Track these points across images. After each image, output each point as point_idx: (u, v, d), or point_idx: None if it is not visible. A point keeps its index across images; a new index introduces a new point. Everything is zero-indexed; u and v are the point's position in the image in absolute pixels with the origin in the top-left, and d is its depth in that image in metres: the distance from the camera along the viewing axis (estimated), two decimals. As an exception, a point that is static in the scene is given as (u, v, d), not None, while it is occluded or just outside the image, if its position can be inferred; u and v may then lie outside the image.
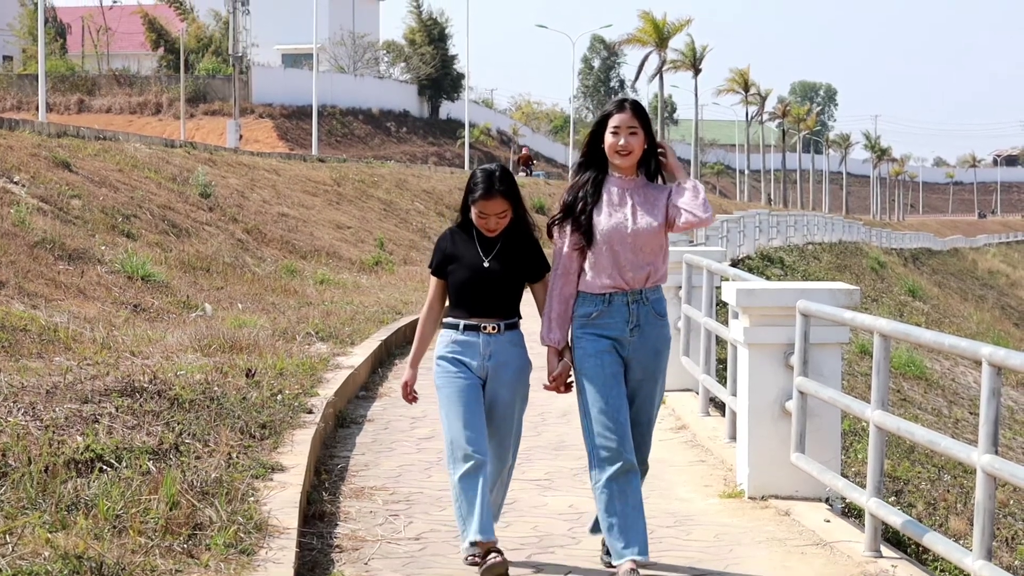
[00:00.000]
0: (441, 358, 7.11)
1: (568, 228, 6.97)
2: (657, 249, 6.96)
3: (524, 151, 77.96)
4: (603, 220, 6.89)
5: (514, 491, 8.30)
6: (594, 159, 7.01)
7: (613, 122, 6.91)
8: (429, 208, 42.70)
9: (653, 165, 7.02)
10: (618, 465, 6.86)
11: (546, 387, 7.08)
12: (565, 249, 6.96)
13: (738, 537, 8.09)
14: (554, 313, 6.99)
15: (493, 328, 7.02)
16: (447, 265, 7.10)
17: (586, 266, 6.94)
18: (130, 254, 18.70)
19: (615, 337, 6.93)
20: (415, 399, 7.29)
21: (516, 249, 7.08)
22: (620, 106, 6.95)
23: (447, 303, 7.23)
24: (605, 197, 6.95)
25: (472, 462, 6.88)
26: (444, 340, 7.14)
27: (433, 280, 7.23)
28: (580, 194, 6.98)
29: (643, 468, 7.14)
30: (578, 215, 6.94)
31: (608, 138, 6.92)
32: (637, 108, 6.94)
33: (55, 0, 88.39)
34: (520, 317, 7.15)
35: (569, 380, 7.06)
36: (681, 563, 7.46)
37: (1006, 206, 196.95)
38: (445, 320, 7.17)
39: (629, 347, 6.96)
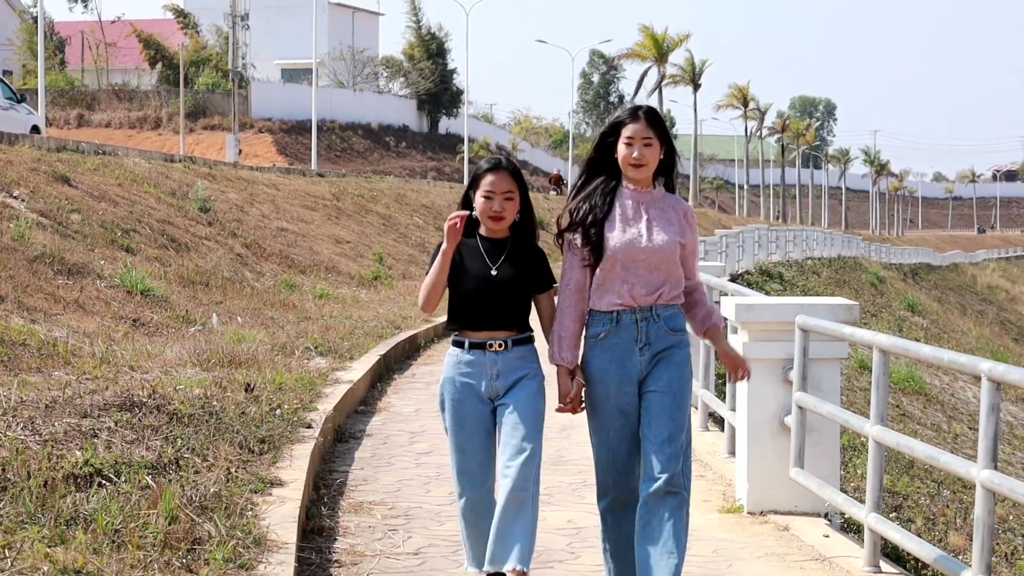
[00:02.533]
0: (447, 381, 6.58)
1: (578, 240, 6.42)
2: (673, 268, 6.40)
3: (556, 171, 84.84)
4: (615, 235, 6.33)
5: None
6: (604, 166, 6.47)
7: (626, 132, 6.35)
8: (428, 223, 42.72)
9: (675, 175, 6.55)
10: (609, 499, 6.53)
11: (559, 410, 6.50)
12: (576, 263, 6.42)
13: (737, 552, 8.08)
14: (566, 332, 6.42)
15: (500, 346, 6.49)
16: (452, 266, 6.51)
17: (594, 281, 6.40)
18: (129, 269, 18.71)
19: (624, 358, 6.38)
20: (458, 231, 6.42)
21: (523, 256, 6.54)
22: (634, 115, 6.38)
23: (448, 316, 6.65)
24: (618, 210, 6.39)
25: (467, 498, 6.57)
26: (450, 361, 6.59)
27: None
28: (589, 204, 6.42)
29: (668, 493, 6.32)
30: (588, 228, 6.38)
31: (621, 149, 6.37)
32: (652, 116, 6.40)
33: (54, 15, 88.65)
34: (531, 330, 6.58)
35: (583, 400, 6.56)
36: (680, 578, 7.44)
37: (1005, 221, 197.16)
38: (453, 338, 6.62)
39: (641, 366, 6.39)
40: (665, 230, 6.38)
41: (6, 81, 40.18)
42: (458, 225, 6.43)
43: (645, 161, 6.36)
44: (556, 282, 6.58)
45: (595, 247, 6.36)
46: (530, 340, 6.60)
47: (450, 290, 6.57)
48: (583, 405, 6.53)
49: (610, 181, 6.46)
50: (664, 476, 6.30)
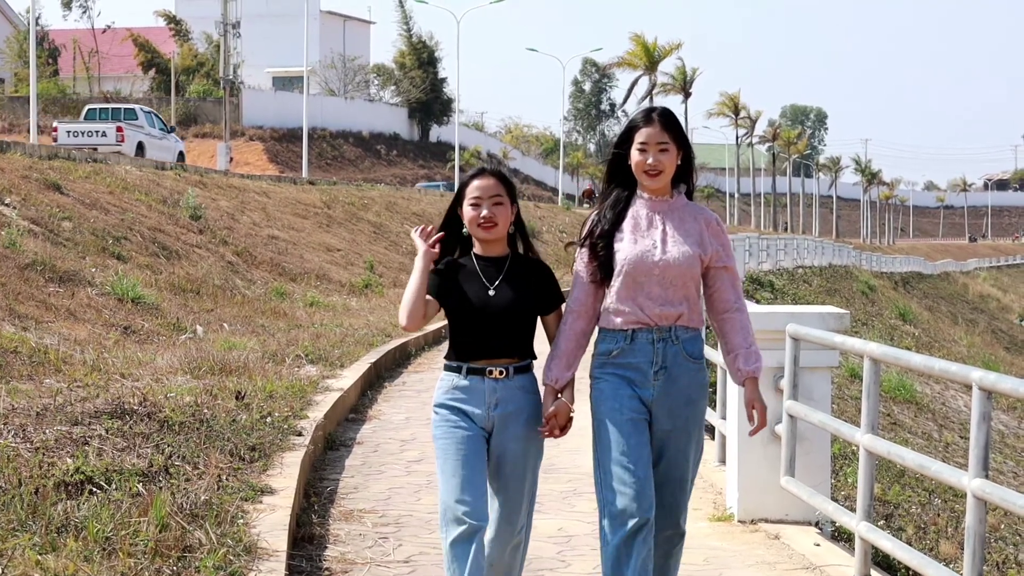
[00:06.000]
0: (440, 405, 5.97)
1: (585, 256, 5.96)
2: (692, 285, 5.92)
3: (588, 186, 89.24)
4: (625, 247, 5.86)
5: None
6: (621, 176, 5.99)
7: (640, 137, 5.88)
8: (419, 231, 42.71)
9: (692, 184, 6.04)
10: (632, 524, 5.79)
11: (539, 431, 5.95)
12: (581, 281, 5.95)
13: (727, 561, 8.08)
14: (559, 351, 5.95)
15: (500, 372, 5.91)
16: (444, 286, 5.96)
17: (606, 298, 5.93)
18: (120, 276, 18.70)
19: (637, 379, 5.89)
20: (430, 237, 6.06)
21: (525, 275, 5.99)
22: (647, 118, 5.91)
23: (449, 346, 6.09)
24: (630, 221, 5.92)
25: (465, 527, 5.77)
26: (444, 386, 6.00)
27: None
28: (598, 216, 5.97)
29: (674, 534, 6.11)
30: (595, 241, 5.92)
31: (635, 155, 5.88)
32: (668, 119, 5.92)
33: (47, 22, 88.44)
34: (535, 358, 6.04)
35: (566, 423, 5.97)
36: (671, 586, 7.44)
37: (996, 230, 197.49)
38: (446, 363, 6.04)
39: (654, 391, 5.89)
40: (682, 242, 5.90)
41: (159, 114, 44.66)
42: (427, 229, 6.06)
43: (661, 167, 5.88)
44: (564, 300, 6.09)
45: (603, 263, 5.91)
46: (530, 369, 6.07)
47: (447, 317, 6.04)
48: (563, 431, 5.99)
49: (624, 191, 6.01)
50: (673, 519, 6.06)
